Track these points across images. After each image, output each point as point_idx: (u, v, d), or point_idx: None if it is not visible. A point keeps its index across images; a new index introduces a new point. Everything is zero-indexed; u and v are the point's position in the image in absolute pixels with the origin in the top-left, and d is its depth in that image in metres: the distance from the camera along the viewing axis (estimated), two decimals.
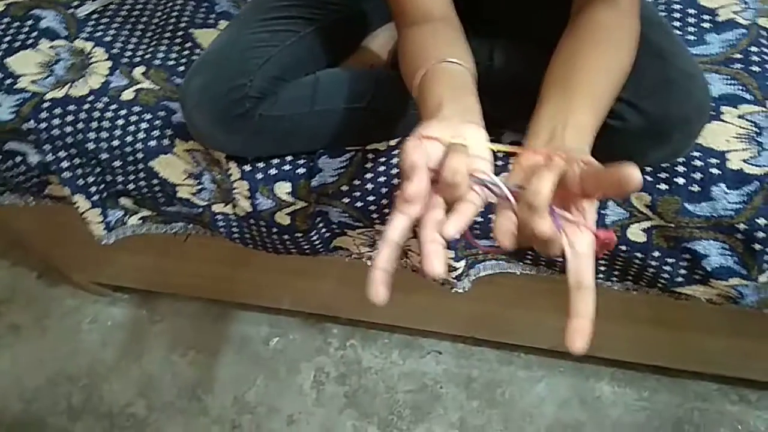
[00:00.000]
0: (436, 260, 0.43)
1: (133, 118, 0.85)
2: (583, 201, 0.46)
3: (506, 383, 1.24)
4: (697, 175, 0.72)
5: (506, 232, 0.45)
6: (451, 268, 0.85)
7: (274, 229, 0.86)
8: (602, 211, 0.76)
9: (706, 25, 0.84)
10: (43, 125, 0.85)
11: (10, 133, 0.87)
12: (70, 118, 0.85)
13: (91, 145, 0.85)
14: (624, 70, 0.60)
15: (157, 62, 0.91)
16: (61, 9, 0.96)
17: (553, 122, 0.53)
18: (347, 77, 0.80)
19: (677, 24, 0.85)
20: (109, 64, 0.90)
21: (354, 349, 1.31)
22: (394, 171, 0.79)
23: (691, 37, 0.83)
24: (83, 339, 1.37)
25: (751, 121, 0.74)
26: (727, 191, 0.72)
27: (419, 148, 0.46)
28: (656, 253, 0.78)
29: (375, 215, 0.82)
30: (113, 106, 0.86)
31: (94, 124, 0.85)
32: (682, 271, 0.80)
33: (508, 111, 0.76)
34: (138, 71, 0.90)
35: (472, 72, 0.59)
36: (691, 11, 0.86)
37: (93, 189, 0.89)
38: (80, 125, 0.85)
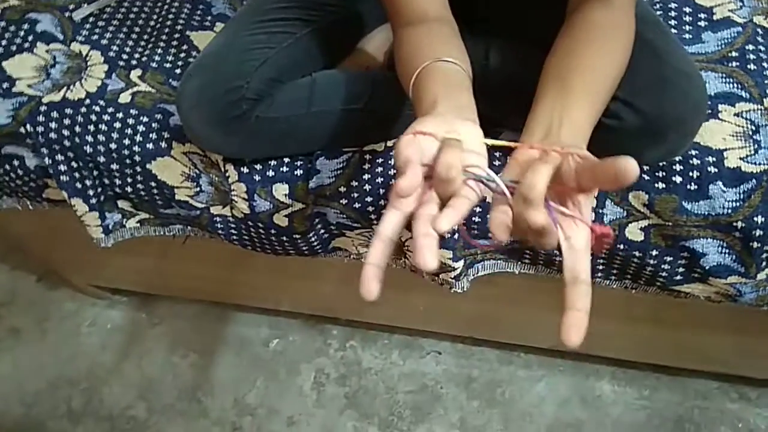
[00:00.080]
0: (428, 254, 0.42)
1: (130, 121, 0.85)
2: (579, 195, 0.46)
3: (506, 383, 1.24)
4: (695, 174, 0.72)
5: (501, 225, 0.45)
6: (449, 268, 0.85)
7: (273, 231, 0.86)
8: (600, 210, 0.76)
9: (702, 23, 0.84)
10: (41, 129, 0.85)
11: (7, 137, 0.87)
12: (67, 121, 0.85)
13: (88, 149, 0.85)
14: (619, 69, 0.60)
15: (154, 65, 0.91)
16: (57, 12, 0.95)
17: (549, 120, 0.53)
18: (344, 79, 0.80)
19: (673, 22, 0.85)
20: (106, 67, 0.90)
21: (354, 350, 1.31)
22: (392, 172, 0.79)
23: (688, 36, 0.83)
24: (83, 342, 1.37)
25: (748, 119, 0.74)
26: (725, 189, 0.72)
27: (413, 144, 0.46)
28: (654, 252, 0.78)
29: (373, 216, 0.82)
30: (110, 110, 0.86)
31: (92, 128, 0.85)
32: (681, 270, 0.80)
33: (505, 110, 0.77)
34: (135, 74, 0.90)
35: (467, 71, 0.59)
36: (687, 9, 0.86)
37: (91, 192, 0.89)
38: (77, 129, 0.85)
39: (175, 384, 1.30)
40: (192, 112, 0.75)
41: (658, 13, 0.86)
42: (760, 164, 0.72)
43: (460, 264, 0.85)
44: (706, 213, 0.73)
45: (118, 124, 0.85)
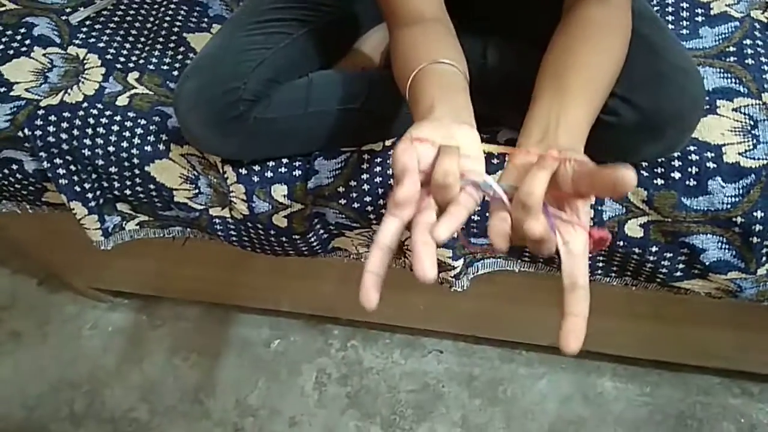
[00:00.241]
0: (428, 263, 0.42)
1: (128, 124, 0.85)
2: (576, 200, 0.46)
3: (508, 381, 1.24)
4: (693, 170, 0.72)
5: (500, 234, 0.45)
6: (449, 267, 0.85)
7: (272, 232, 0.86)
8: (599, 207, 0.76)
9: (699, 18, 0.84)
10: (39, 133, 0.85)
11: (5, 141, 0.87)
12: (65, 125, 0.85)
13: (86, 152, 0.85)
14: (616, 66, 0.60)
15: (151, 67, 0.91)
16: (54, 16, 0.95)
17: (546, 120, 0.53)
18: (341, 79, 0.80)
19: (670, 18, 0.85)
20: (103, 70, 0.90)
21: (355, 349, 1.31)
22: (390, 171, 0.79)
23: (685, 31, 0.83)
24: (84, 345, 1.38)
25: (746, 114, 0.74)
26: (724, 185, 0.72)
27: (410, 151, 0.46)
28: (654, 248, 0.78)
29: (372, 216, 0.82)
30: (108, 112, 0.86)
31: (90, 131, 0.85)
32: (681, 266, 0.80)
33: (503, 108, 0.77)
34: (132, 77, 0.90)
35: (463, 72, 0.59)
36: (684, 5, 0.86)
37: (90, 195, 0.89)
38: (75, 132, 0.85)
39: (176, 386, 1.30)
40: (189, 113, 0.75)
41: (655, 8, 0.86)
42: (759, 159, 0.71)
43: (459, 263, 0.85)
44: (706, 209, 0.73)
45: (116, 127, 0.85)
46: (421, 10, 0.63)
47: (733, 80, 0.77)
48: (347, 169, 0.81)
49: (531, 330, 1.17)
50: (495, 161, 0.77)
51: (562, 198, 0.47)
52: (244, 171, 0.82)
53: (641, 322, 1.05)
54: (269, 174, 0.81)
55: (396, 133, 0.81)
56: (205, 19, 0.98)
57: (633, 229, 0.77)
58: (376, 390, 1.25)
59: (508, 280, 0.93)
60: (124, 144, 0.84)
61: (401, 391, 1.25)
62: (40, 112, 0.86)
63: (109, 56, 0.92)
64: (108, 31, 0.95)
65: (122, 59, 0.92)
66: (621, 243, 0.78)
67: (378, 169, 0.80)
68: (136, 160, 0.85)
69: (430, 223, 0.45)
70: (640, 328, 1.07)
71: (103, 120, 0.85)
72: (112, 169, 0.86)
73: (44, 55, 0.91)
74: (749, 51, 0.79)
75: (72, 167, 0.87)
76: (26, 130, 0.85)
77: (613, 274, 0.87)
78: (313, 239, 0.88)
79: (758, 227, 0.72)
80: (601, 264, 0.85)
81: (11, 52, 0.90)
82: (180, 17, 0.97)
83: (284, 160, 0.82)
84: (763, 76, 0.77)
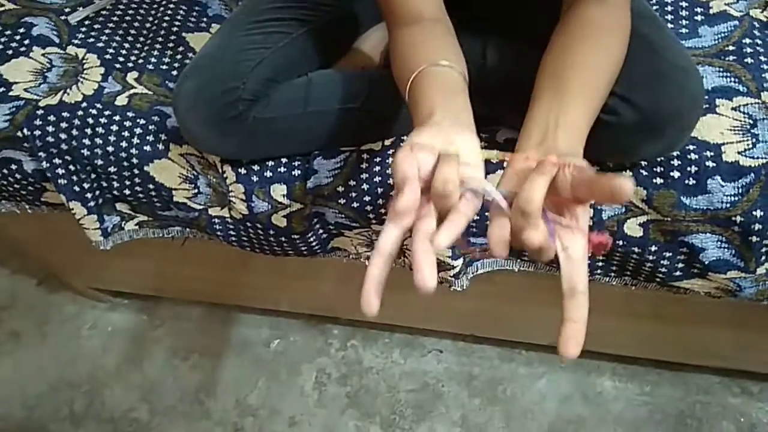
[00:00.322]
0: (428, 272, 0.43)
1: (128, 124, 0.85)
2: (575, 206, 0.46)
3: (507, 380, 1.24)
4: (693, 169, 0.72)
5: (500, 242, 0.45)
6: (448, 266, 0.85)
7: (271, 232, 0.86)
8: (598, 207, 0.76)
9: (698, 17, 0.84)
10: (38, 132, 0.85)
11: (4, 141, 0.87)
12: (64, 124, 0.85)
13: (86, 152, 0.85)
14: (615, 66, 0.60)
15: (150, 67, 0.91)
16: (53, 16, 0.95)
17: (545, 122, 0.53)
18: (340, 78, 0.80)
19: (670, 17, 0.85)
20: (102, 70, 0.90)
21: (355, 349, 1.31)
22: (390, 171, 0.79)
23: (684, 30, 0.83)
24: (84, 345, 1.38)
25: (746, 113, 0.74)
26: (723, 184, 0.72)
27: (410, 158, 0.46)
28: (653, 248, 0.78)
29: (371, 215, 0.82)
30: (107, 112, 0.86)
31: (89, 131, 0.85)
32: (680, 265, 0.80)
33: (503, 108, 0.77)
34: (131, 77, 0.90)
35: (463, 74, 0.59)
36: (683, 4, 0.86)
37: (89, 195, 0.89)
38: (74, 132, 0.85)
39: (176, 386, 1.30)
40: (189, 113, 0.75)
41: (655, 7, 0.86)
42: (758, 158, 0.71)
43: (459, 262, 0.85)
44: (705, 208, 0.73)
45: (115, 127, 0.85)
46: (420, 10, 0.63)
47: (733, 79, 0.77)
48: (346, 168, 0.81)
49: (530, 329, 1.17)
50: (494, 161, 0.76)
51: (561, 203, 0.47)
52: (243, 170, 0.82)
53: (641, 321, 1.05)
54: (268, 173, 0.81)
55: (395, 132, 0.81)
56: (204, 19, 0.98)
57: (632, 228, 0.77)
58: (375, 390, 1.25)
59: (507, 279, 0.93)
60: (124, 144, 0.84)
61: (401, 391, 1.25)
62: (39, 112, 0.86)
63: (108, 56, 0.92)
64: (107, 31, 0.95)
65: (121, 59, 0.92)
66: (620, 242, 0.78)
67: (377, 168, 0.80)
68: (135, 160, 0.85)
69: (430, 230, 0.45)
70: (639, 328, 1.07)
71: (102, 120, 0.85)
72: (112, 169, 0.86)
73: (43, 54, 0.91)
74: (748, 50, 0.79)
75: (71, 167, 0.87)
76: (25, 130, 0.85)
77: (613, 274, 0.87)
78: (312, 239, 0.88)
79: (757, 226, 0.72)
80: (600, 263, 0.85)
81: (10, 52, 0.90)
82: (179, 17, 0.97)
83: (283, 160, 0.82)
84: (763, 75, 0.77)
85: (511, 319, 1.13)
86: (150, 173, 0.85)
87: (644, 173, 0.74)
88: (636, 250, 0.79)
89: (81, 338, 1.38)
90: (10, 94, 0.87)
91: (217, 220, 0.89)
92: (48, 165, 0.86)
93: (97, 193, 0.90)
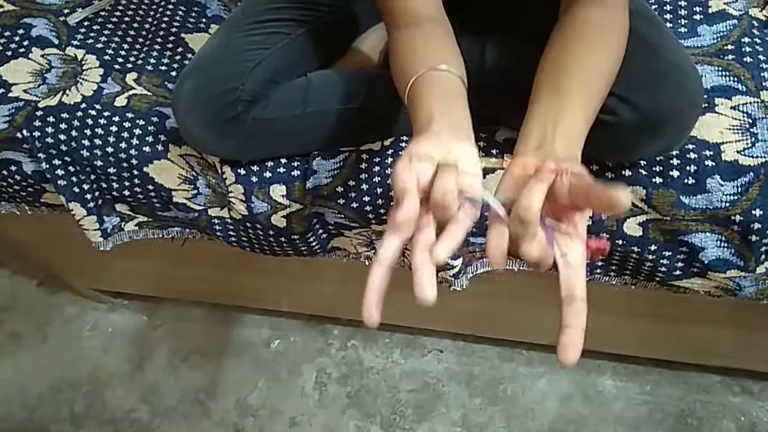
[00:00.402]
0: (427, 285, 0.44)
1: (127, 125, 0.85)
2: (574, 213, 0.46)
3: (508, 380, 1.24)
4: (692, 168, 0.72)
5: (498, 253, 0.45)
6: (448, 266, 0.85)
7: (271, 232, 0.86)
8: None
9: (697, 16, 0.84)
10: (37, 134, 0.85)
11: (4, 142, 0.87)
12: (63, 126, 0.85)
13: (85, 153, 0.85)
14: (614, 67, 0.60)
15: (149, 68, 0.91)
16: (52, 17, 0.95)
17: (543, 126, 0.53)
18: (339, 79, 0.80)
19: (668, 16, 0.85)
20: (101, 71, 0.90)
21: (355, 349, 1.31)
22: (389, 171, 0.79)
23: (683, 29, 0.83)
24: (85, 346, 1.38)
25: (745, 112, 0.74)
26: (722, 183, 0.72)
27: (409, 170, 0.47)
28: (653, 247, 0.78)
29: (371, 215, 0.82)
30: (106, 113, 0.86)
31: (88, 132, 0.85)
32: (680, 264, 0.80)
33: (501, 108, 0.77)
34: (130, 77, 0.90)
35: (462, 77, 0.59)
36: (683, 3, 0.85)
37: (88, 196, 0.89)
38: (74, 133, 0.85)
39: (177, 386, 1.30)
40: (188, 114, 0.75)
41: (653, 6, 0.86)
42: (757, 157, 0.71)
43: (458, 262, 0.85)
44: (704, 207, 0.73)
45: (114, 128, 0.85)
46: (418, 10, 0.63)
47: (732, 78, 0.77)
48: (346, 169, 0.81)
49: (531, 329, 1.17)
50: (493, 172, 0.77)
51: (559, 210, 0.47)
52: (242, 171, 0.82)
53: (641, 320, 1.05)
54: (268, 174, 0.81)
55: (395, 133, 0.81)
56: (203, 20, 0.98)
57: (632, 227, 0.77)
58: (376, 390, 1.25)
59: (507, 279, 0.93)
60: (123, 145, 0.84)
61: (401, 391, 1.25)
62: (39, 113, 0.86)
63: (107, 57, 0.92)
64: (106, 32, 0.95)
65: (120, 60, 0.92)
66: (620, 242, 0.78)
67: (377, 168, 0.80)
68: (134, 161, 0.85)
69: (430, 241, 0.46)
70: (639, 327, 1.07)
71: (102, 121, 0.85)
72: (111, 170, 0.86)
73: (42, 56, 0.91)
74: (747, 49, 0.79)
75: (71, 168, 0.87)
76: (25, 131, 0.85)
77: (612, 273, 0.87)
78: (312, 239, 0.88)
79: (757, 225, 0.72)
80: (600, 263, 0.85)
81: (9, 53, 0.90)
82: (178, 18, 0.97)
83: (283, 160, 0.82)
84: (762, 74, 0.77)
85: (511, 318, 1.13)
86: (149, 174, 0.85)
87: (643, 173, 0.74)
88: (635, 249, 0.79)
89: (82, 339, 1.39)
90: (10, 95, 0.87)
91: (216, 221, 0.89)
92: (47, 166, 0.86)
93: (97, 194, 0.90)
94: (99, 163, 0.85)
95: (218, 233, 0.90)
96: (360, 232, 0.87)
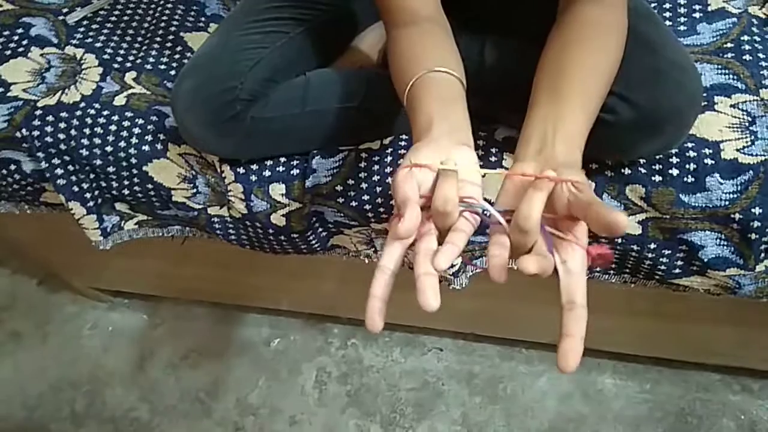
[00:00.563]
0: (431, 294, 0.44)
1: (126, 124, 0.85)
2: (573, 223, 0.47)
3: (508, 378, 1.24)
4: (691, 166, 0.72)
5: (499, 267, 0.45)
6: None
7: (271, 231, 0.86)
8: None
9: (696, 14, 0.84)
10: (36, 133, 0.85)
11: (3, 141, 0.87)
12: (62, 125, 0.85)
13: (84, 152, 0.85)
14: (613, 67, 0.60)
15: (148, 67, 0.91)
16: (51, 16, 0.95)
17: (543, 128, 0.53)
18: (338, 78, 0.80)
19: (668, 14, 0.85)
20: (100, 70, 0.90)
21: (355, 348, 1.31)
22: (388, 170, 0.79)
23: (682, 27, 0.83)
24: (85, 345, 1.38)
25: (744, 110, 0.74)
26: (722, 181, 0.72)
27: (410, 179, 0.47)
28: (652, 245, 0.78)
29: (370, 214, 0.82)
30: (105, 112, 0.86)
31: (87, 131, 0.85)
32: (679, 263, 0.80)
33: (501, 106, 0.77)
34: (129, 76, 0.90)
35: (461, 78, 0.59)
36: (682, 1, 0.85)
37: (88, 195, 0.89)
38: (73, 132, 0.85)
39: (177, 385, 1.30)
40: (187, 113, 0.75)
41: (653, 5, 0.86)
42: (757, 155, 0.71)
43: (458, 260, 0.85)
44: (704, 205, 0.73)
45: (113, 127, 0.85)
46: (416, 9, 0.63)
47: (731, 76, 0.77)
48: (345, 167, 0.81)
49: (531, 327, 1.17)
50: (493, 159, 0.77)
51: (559, 220, 0.47)
52: (241, 170, 0.82)
53: (641, 319, 1.05)
54: (267, 173, 0.81)
55: (394, 131, 0.81)
56: (202, 19, 0.98)
57: (631, 226, 0.77)
58: (376, 388, 1.25)
59: (507, 277, 0.93)
60: (122, 144, 0.84)
61: (401, 390, 1.25)
62: (38, 112, 0.86)
63: (106, 56, 0.92)
64: (105, 31, 0.95)
65: (119, 59, 0.92)
66: (619, 240, 0.78)
67: (376, 167, 0.80)
68: (133, 160, 0.85)
69: (431, 249, 0.46)
70: (639, 326, 1.07)
71: (101, 120, 0.85)
72: (110, 169, 0.86)
73: (41, 55, 0.91)
74: (747, 47, 0.79)
75: (70, 167, 0.87)
76: (24, 131, 0.85)
77: (612, 272, 0.87)
78: (311, 237, 0.88)
79: (756, 223, 0.72)
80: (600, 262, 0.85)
81: (8, 52, 0.90)
82: (177, 16, 0.97)
83: (282, 159, 0.82)
84: (761, 72, 0.77)
85: (511, 317, 1.13)
86: (149, 173, 0.85)
87: (643, 171, 0.74)
88: (635, 247, 0.79)
89: (82, 338, 1.39)
90: (9, 94, 0.87)
91: (216, 220, 0.89)
92: (47, 165, 0.86)
93: (96, 192, 0.90)
94: (98, 162, 0.85)
95: (218, 232, 0.90)
96: (359, 230, 0.87)
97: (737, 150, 0.72)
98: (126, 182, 0.87)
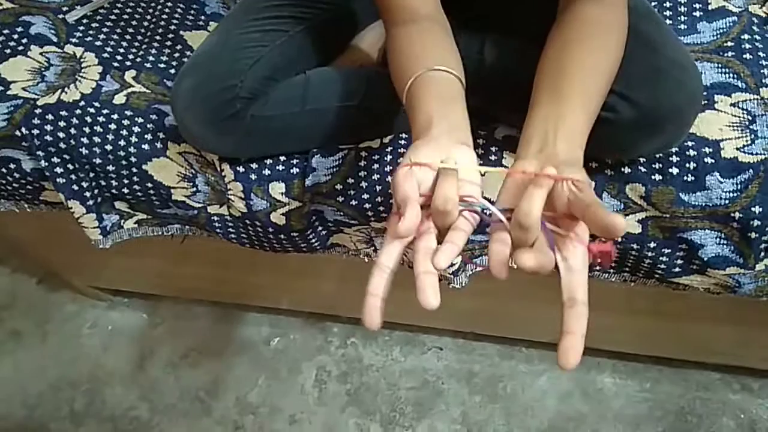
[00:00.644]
0: (431, 292, 0.44)
1: (126, 122, 0.85)
2: (573, 222, 0.47)
3: (507, 377, 1.24)
4: (691, 165, 0.72)
5: (500, 263, 0.45)
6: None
7: (270, 229, 0.86)
8: None
9: (697, 13, 0.84)
10: (36, 131, 0.85)
11: (2, 140, 0.87)
12: (62, 123, 0.85)
13: (84, 151, 0.85)
14: (613, 66, 0.60)
15: (148, 65, 0.91)
16: (51, 15, 0.95)
17: (545, 128, 0.53)
18: (338, 76, 0.79)
19: (668, 13, 0.85)
20: (100, 68, 0.90)
21: (355, 347, 1.31)
22: (388, 168, 0.79)
23: (683, 26, 0.83)
24: (84, 344, 1.38)
25: (744, 109, 0.74)
26: (722, 180, 0.72)
27: (410, 178, 0.48)
28: (652, 244, 0.78)
29: (370, 213, 0.82)
30: (105, 111, 0.86)
31: (87, 129, 0.85)
32: (679, 262, 0.80)
33: (501, 105, 0.77)
34: (129, 75, 0.90)
35: (460, 77, 0.58)
36: (682, 0, 0.85)
37: (88, 194, 0.89)
38: (73, 131, 0.85)
39: (177, 384, 1.30)
40: (187, 112, 0.75)
41: (653, 3, 0.86)
42: (757, 154, 0.71)
43: (458, 259, 0.85)
44: (704, 204, 0.73)
45: (113, 126, 0.85)
46: (416, 7, 0.63)
47: (731, 75, 0.77)
48: (345, 166, 0.81)
49: (531, 326, 1.17)
50: (493, 158, 0.77)
51: (559, 218, 0.47)
52: (241, 169, 0.82)
53: (640, 318, 1.05)
54: (267, 171, 0.81)
55: (394, 130, 0.81)
56: (202, 17, 0.98)
57: (631, 225, 0.77)
58: (376, 387, 1.26)
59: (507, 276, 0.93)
60: (122, 142, 0.84)
61: (401, 389, 1.25)
62: (38, 111, 0.85)
63: (106, 54, 0.92)
64: (105, 30, 0.95)
65: (119, 57, 0.92)
66: (619, 239, 0.78)
67: (376, 166, 0.80)
68: (133, 159, 0.85)
69: (431, 248, 0.46)
70: (639, 325, 1.07)
71: (101, 118, 0.85)
72: (110, 168, 0.86)
73: (41, 53, 0.91)
74: (747, 46, 0.79)
75: (69, 166, 0.87)
76: (23, 129, 0.85)
77: (612, 270, 0.87)
78: (311, 236, 0.88)
79: (756, 222, 0.72)
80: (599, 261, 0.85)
81: (8, 50, 0.90)
82: (177, 15, 0.97)
83: (282, 158, 0.82)
84: (761, 71, 0.77)
85: (511, 316, 1.13)
86: (148, 172, 0.85)
87: (643, 170, 0.74)
88: (635, 246, 0.79)
89: (81, 337, 1.39)
90: (8, 93, 0.87)
91: (216, 218, 0.89)
92: (46, 164, 0.86)
93: (96, 191, 0.90)
94: (98, 160, 0.85)
95: (218, 230, 0.90)
96: (359, 229, 0.87)
97: (737, 149, 0.72)
98: (126, 181, 0.87)
